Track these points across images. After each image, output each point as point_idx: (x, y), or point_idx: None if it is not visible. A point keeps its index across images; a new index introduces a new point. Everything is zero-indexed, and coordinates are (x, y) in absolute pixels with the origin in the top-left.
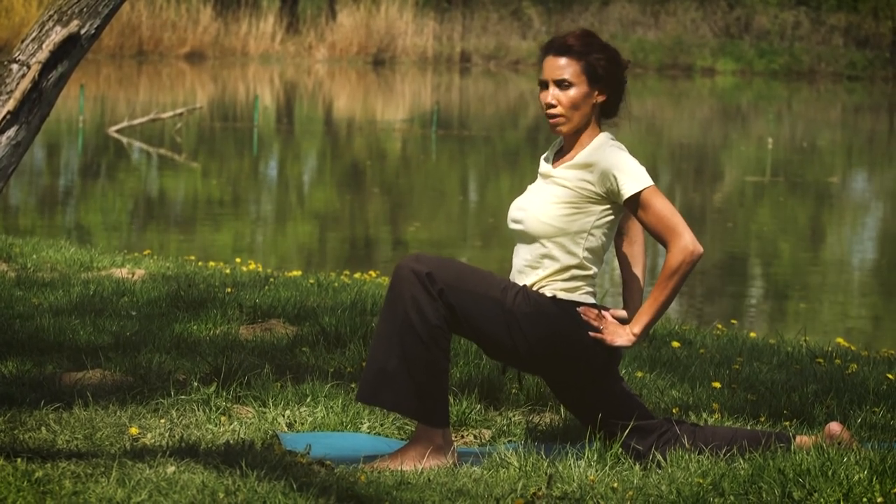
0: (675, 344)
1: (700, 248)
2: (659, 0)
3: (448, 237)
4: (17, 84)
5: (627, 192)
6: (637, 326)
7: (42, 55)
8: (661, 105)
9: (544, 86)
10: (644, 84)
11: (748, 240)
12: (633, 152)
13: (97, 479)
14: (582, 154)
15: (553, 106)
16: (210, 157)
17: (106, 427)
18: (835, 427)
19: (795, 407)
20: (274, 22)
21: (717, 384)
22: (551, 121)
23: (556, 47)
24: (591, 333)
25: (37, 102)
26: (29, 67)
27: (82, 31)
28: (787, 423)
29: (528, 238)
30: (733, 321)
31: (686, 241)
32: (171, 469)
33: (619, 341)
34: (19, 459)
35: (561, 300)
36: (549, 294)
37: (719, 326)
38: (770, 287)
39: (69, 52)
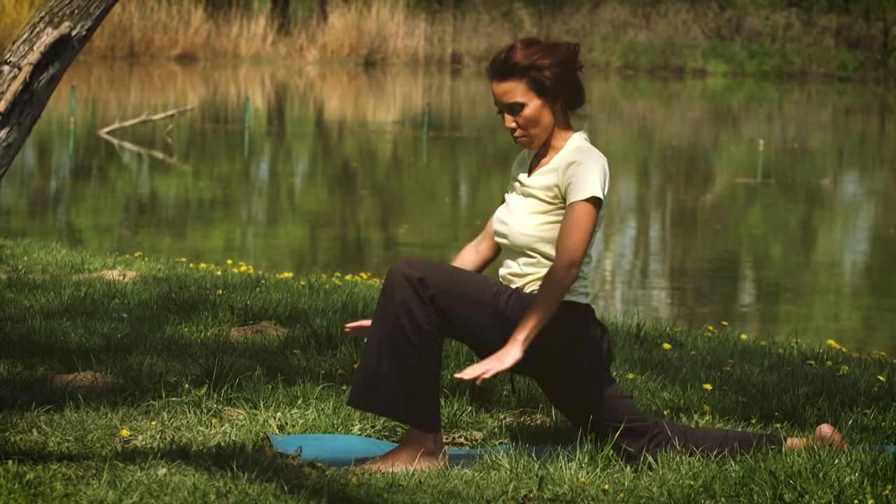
0: (667, 346)
1: (567, 280)
2: (650, 1)
3: (439, 238)
4: (9, 86)
5: (569, 200)
6: (516, 332)
7: (33, 57)
8: (651, 107)
9: (500, 111)
10: (635, 86)
11: (739, 241)
12: (624, 155)
13: (88, 481)
14: (554, 160)
15: (515, 129)
16: (201, 159)
17: (97, 429)
18: (826, 429)
19: (786, 409)
20: (265, 23)
21: (708, 386)
22: (518, 142)
23: (496, 72)
24: (477, 376)
25: (28, 104)
26: (20, 69)
27: (73, 33)
28: (779, 425)
29: (515, 249)
30: (724, 323)
31: (566, 262)
32: (162, 471)
33: (508, 359)
34: (10, 461)
35: None
36: None
37: (710, 328)
38: (761, 289)
39: (60, 53)
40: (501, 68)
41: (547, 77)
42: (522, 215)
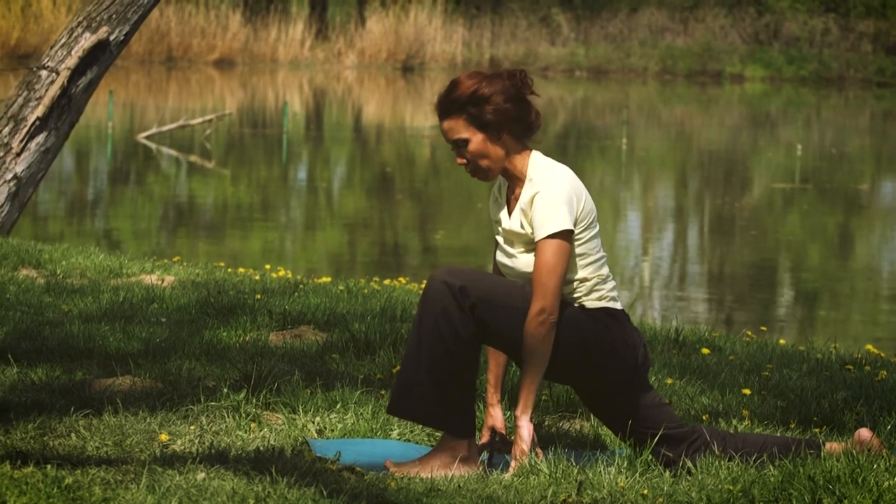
0: (705, 351)
1: (541, 331)
2: (688, 6)
3: (476, 243)
4: (46, 90)
5: (536, 237)
6: (518, 409)
7: (71, 61)
8: (690, 112)
9: (452, 148)
10: (673, 91)
11: (777, 246)
12: (662, 160)
13: (127, 486)
14: (523, 194)
15: (466, 165)
16: (239, 164)
17: (136, 433)
18: (865, 434)
19: (825, 414)
20: (303, 28)
21: (746, 391)
22: (474, 177)
23: (440, 110)
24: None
25: (66, 108)
26: (58, 73)
27: (111, 38)
28: (817, 430)
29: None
30: (763, 328)
31: (535, 309)
32: (201, 476)
33: (526, 441)
34: (49, 466)
35: (589, 309)
36: (576, 304)
37: (749, 333)
38: (799, 294)
39: (98, 58)
40: (443, 106)
41: (488, 111)
42: (519, 255)
